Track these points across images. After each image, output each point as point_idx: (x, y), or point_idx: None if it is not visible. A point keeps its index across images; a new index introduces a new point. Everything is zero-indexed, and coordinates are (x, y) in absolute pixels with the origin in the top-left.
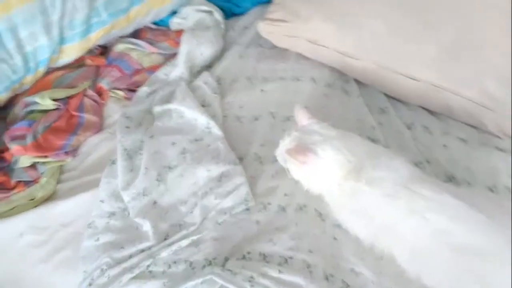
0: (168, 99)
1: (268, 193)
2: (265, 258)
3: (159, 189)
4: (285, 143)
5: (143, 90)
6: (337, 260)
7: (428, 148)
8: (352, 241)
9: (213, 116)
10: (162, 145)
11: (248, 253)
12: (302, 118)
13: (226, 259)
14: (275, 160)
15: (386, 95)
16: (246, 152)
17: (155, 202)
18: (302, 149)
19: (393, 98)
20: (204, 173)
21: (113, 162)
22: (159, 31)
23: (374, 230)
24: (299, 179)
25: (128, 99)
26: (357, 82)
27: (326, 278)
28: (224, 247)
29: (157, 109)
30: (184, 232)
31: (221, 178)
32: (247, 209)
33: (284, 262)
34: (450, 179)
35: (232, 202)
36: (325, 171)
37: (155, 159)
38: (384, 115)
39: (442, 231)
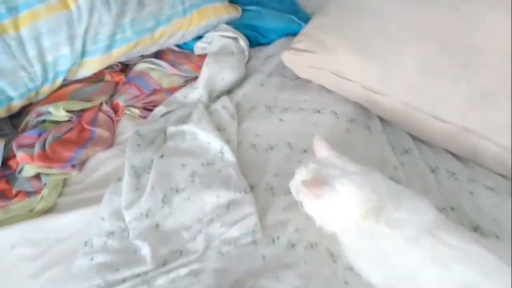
0: (184, 120)
1: (278, 226)
2: None
3: (163, 211)
4: (301, 174)
5: (160, 109)
6: None
7: (453, 195)
8: (364, 286)
9: (227, 141)
10: (172, 166)
11: None
12: (322, 149)
13: None
14: (288, 192)
15: (410, 135)
16: (259, 181)
17: (157, 225)
18: (318, 181)
19: (418, 139)
20: (212, 198)
21: (119, 179)
22: (182, 54)
23: (391, 276)
24: (312, 214)
25: (143, 117)
26: (381, 119)
27: None
28: (225, 280)
29: (171, 129)
30: (184, 259)
31: (229, 206)
32: (254, 242)
33: None
34: (476, 229)
35: (239, 232)
36: (342, 207)
37: (163, 179)
38: (407, 155)
39: (466, 284)
